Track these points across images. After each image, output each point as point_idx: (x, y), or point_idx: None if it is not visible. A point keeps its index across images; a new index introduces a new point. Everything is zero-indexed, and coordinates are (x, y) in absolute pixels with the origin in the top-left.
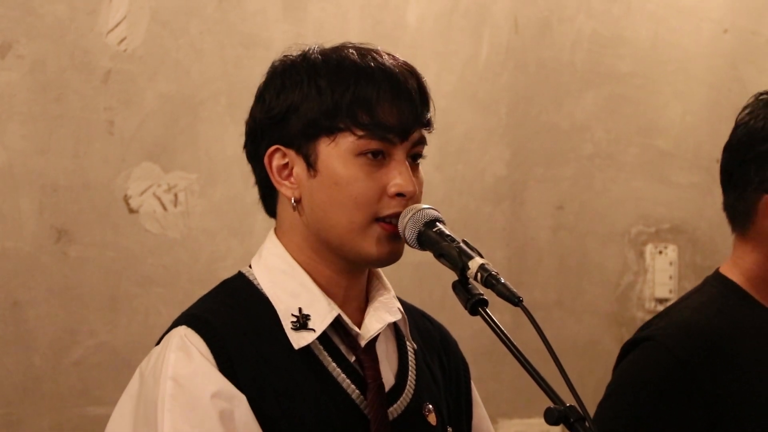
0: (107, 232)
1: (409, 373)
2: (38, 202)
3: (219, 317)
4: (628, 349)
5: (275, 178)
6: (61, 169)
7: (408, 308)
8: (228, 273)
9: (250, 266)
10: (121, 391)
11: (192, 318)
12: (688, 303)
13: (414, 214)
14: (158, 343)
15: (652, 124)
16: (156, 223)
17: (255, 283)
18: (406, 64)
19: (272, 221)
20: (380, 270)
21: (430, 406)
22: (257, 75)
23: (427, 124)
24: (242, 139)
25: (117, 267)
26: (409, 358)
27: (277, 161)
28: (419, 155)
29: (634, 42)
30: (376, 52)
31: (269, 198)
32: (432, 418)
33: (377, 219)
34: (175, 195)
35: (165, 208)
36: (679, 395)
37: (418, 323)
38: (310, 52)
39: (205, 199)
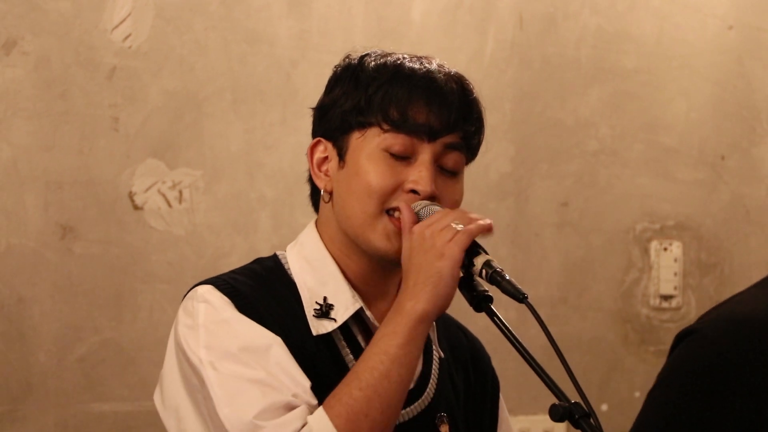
0: (112, 229)
1: (431, 380)
2: (43, 199)
3: (245, 286)
4: (675, 343)
5: (314, 170)
6: (65, 166)
7: (444, 318)
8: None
9: (285, 251)
10: (125, 387)
11: (219, 281)
12: (744, 296)
13: (419, 210)
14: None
15: (657, 121)
16: (161, 219)
17: (286, 267)
18: (455, 73)
19: (276, 218)
20: None
21: (445, 417)
22: (261, 71)
23: (467, 136)
24: (246, 136)
25: (122, 263)
26: (433, 365)
27: (318, 153)
28: (453, 167)
29: (639, 38)
30: (428, 59)
31: (315, 193)
32: (444, 429)
33: (387, 211)
34: (180, 192)
35: (170, 205)
36: (721, 389)
37: (450, 334)
38: (366, 54)
39: (210, 196)
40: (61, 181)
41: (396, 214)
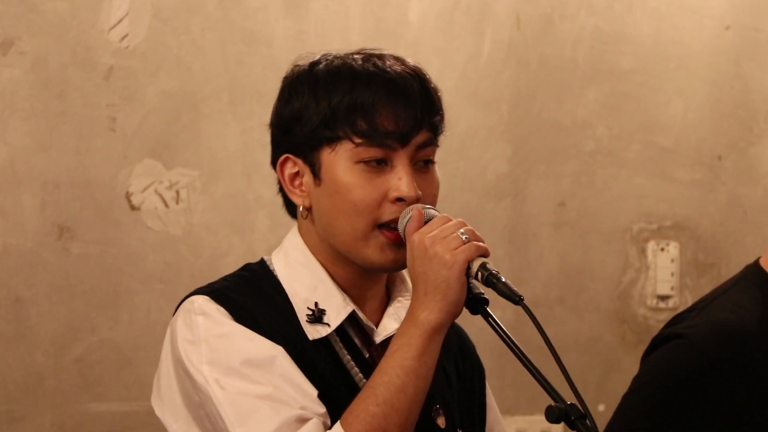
0: (109, 229)
1: None
2: (40, 199)
3: (239, 295)
4: (657, 344)
5: (287, 187)
6: (62, 166)
7: None
8: (230, 270)
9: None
10: (123, 387)
11: (213, 291)
12: (728, 301)
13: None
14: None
15: (654, 121)
16: (158, 220)
17: (274, 273)
18: (410, 67)
19: (273, 218)
20: (404, 271)
21: (440, 409)
22: (258, 72)
23: (433, 128)
24: (244, 136)
25: (119, 264)
26: None
27: (288, 170)
28: (427, 160)
29: (636, 39)
30: (381, 56)
31: (291, 205)
32: (441, 421)
33: (379, 225)
34: (177, 192)
35: (167, 205)
36: (708, 397)
37: None
38: (317, 60)
39: (207, 196)
40: (58, 181)
41: (394, 227)
